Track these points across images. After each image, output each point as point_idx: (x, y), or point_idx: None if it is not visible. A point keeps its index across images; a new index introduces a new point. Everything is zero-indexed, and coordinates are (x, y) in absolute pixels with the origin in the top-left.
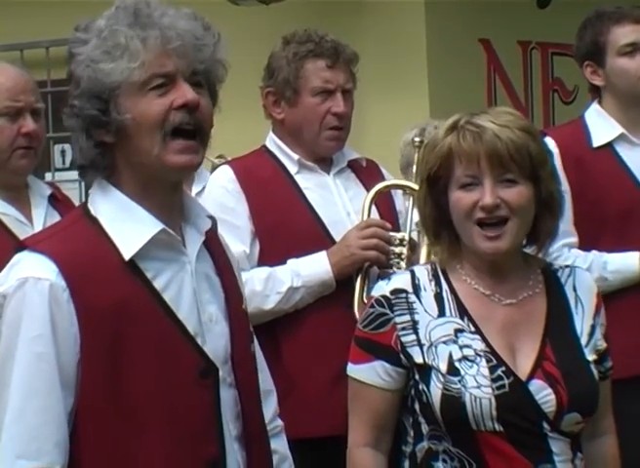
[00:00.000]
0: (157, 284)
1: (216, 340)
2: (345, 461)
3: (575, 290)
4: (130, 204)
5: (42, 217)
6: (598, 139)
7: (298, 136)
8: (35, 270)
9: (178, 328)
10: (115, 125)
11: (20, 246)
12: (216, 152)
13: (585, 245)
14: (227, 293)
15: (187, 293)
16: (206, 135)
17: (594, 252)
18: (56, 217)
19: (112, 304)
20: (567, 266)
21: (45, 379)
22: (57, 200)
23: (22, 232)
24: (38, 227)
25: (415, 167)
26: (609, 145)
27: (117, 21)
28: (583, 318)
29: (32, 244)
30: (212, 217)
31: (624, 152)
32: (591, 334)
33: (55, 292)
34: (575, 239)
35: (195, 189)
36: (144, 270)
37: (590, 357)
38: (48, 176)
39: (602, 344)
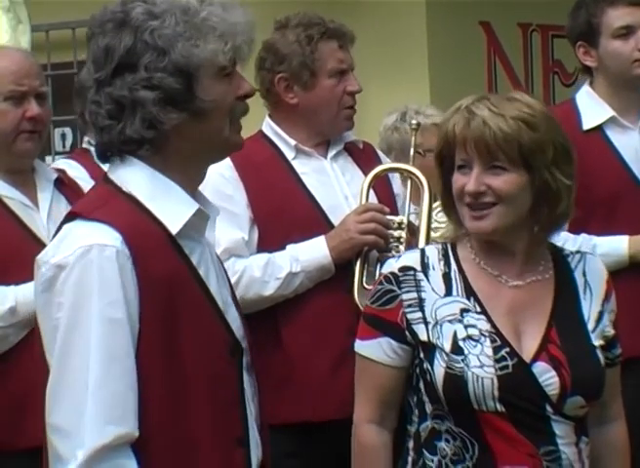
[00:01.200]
0: (193, 260)
1: (234, 322)
2: (348, 444)
3: (584, 275)
4: (167, 181)
5: (48, 201)
6: (588, 122)
7: (312, 119)
8: (99, 237)
9: (212, 304)
10: (196, 104)
11: (71, 215)
12: None
13: (574, 228)
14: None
15: (213, 274)
16: None
17: (583, 235)
18: (62, 201)
19: (164, 275)
20: (578, 252)
21: (122, 345)
22: (63, 184)
23: (28, 216)
24: (43, 211)
25: (412, 150)
26: (599, 128)
27: (208, 2)
28: (591, 304)
29: (87, 213)
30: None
31: (614, 136)
32: (599, 320)
33: (121, 259)
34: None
35: None
36: (183, 246)
37: (597, 342)
38: (48, 160)
39: (610, 331)
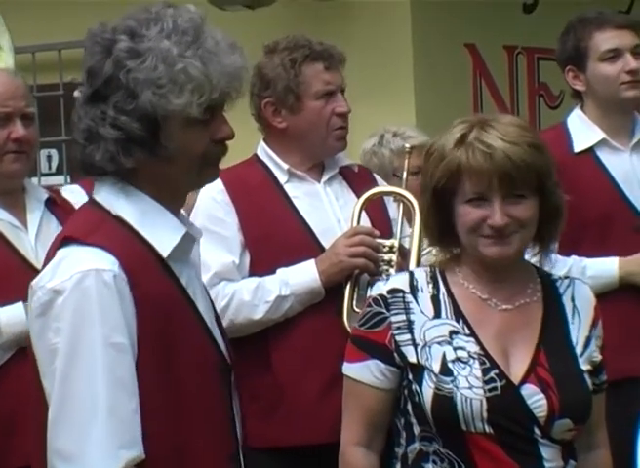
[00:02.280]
0: (182, 281)
1: (220, 341)
2: None
3: (573, 300)
4: (156, 205)
5: (37, 222)
6: (579, 145)
7: (302, 142)
8: (96, 262)
9: (202, 324)
10: (160, 150)
11: (65, 240)
12: None
13: (565, 249)
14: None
15: (199, 294)
16: None
17: (574, 257)
18: (52, 222)
19: (158, 297)
20: (566, 277)
21: (127, 369)
22: (55, 204)
23: (16, 237)
24: (32, 232)
25: (405, 173)
26: (590, 151)
27: (186, 51)
28: (579, 329)
29: (82, 237)
30: None
31: (605, 157)
32: (586, 346)
33: (119, 284)
34: (554, 245)
35: None
36: (172, 268)
37: (584, 367)
38: (34, 182)
39: (597, 356)
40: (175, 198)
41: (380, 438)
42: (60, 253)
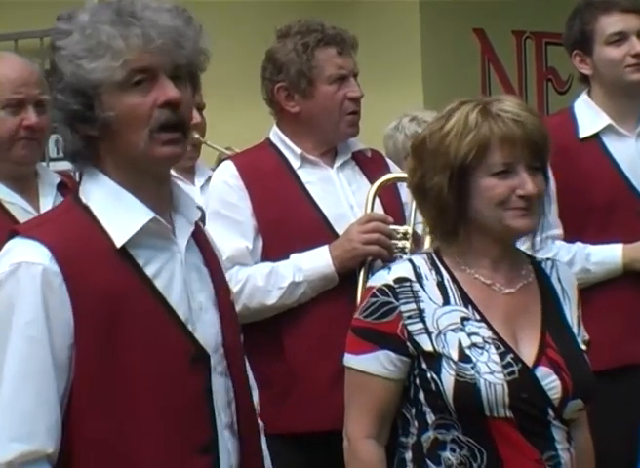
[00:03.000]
0: (149, 271)
1: (206, 328)
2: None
3: (560, 281)
4: (121, 192)
5: (49, 206)
6: (585, 130)
7: (315, 127)
8: (28, 255)
9: (169, 314)
10: (100, 121)
11: (13, 233)
12: (224, 144)
13: (570, 236)
14: (216, 284)
15: (178, 282)
16: (188, 127)
17: (578, 243)
18: None
19: (105, 289)
20: (548, 259)
21: (38, 363)
22: (67, 188)
23: None
24: None
25: None
26: (596, 136)
27: (100, 18)
28: (571, 309)
29: (24, 231)
30: (200, 208)
31: (611, 143)
32: (579, 326)
33: (47, 277)
34: (559, 231)
35: (198, 182)
36: (136, 257)
37: (583, 346)
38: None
39: (586, 336)
40: (142, 177)
41: (387, 429)
42: (6, 245)
